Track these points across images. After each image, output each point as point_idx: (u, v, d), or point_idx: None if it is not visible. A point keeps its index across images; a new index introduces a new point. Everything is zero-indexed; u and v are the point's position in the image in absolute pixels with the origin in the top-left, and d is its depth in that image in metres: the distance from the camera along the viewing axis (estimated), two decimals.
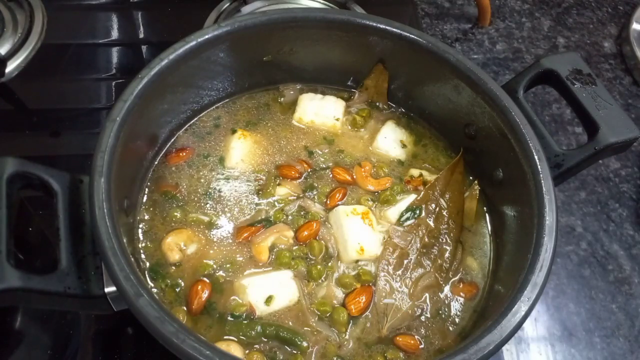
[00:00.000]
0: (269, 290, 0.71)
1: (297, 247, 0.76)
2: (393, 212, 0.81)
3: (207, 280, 0.72)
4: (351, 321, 0.72)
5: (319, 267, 0.75)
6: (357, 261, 0.76)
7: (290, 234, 0.77)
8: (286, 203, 0.80)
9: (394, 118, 0.92)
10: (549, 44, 1.29)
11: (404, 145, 0.89)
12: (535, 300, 0.63)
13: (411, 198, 0.82)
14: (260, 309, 0.71)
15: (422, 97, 0.89)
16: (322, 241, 0.77)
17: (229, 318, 0.70)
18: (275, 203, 0.80)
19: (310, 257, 0.76)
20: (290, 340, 0.69)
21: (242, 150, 0.84)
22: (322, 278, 0.75)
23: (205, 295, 0.70)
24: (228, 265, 0.74)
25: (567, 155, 0.75)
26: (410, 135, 0.91)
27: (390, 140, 0.88)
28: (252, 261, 0.75)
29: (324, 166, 0.85)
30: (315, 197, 0.81)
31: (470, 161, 0.87)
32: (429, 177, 0.85)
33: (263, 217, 0.78)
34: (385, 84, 0.90)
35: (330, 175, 0.84)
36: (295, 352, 0.69)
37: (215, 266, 0.73)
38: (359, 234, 0.76)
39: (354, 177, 0.84)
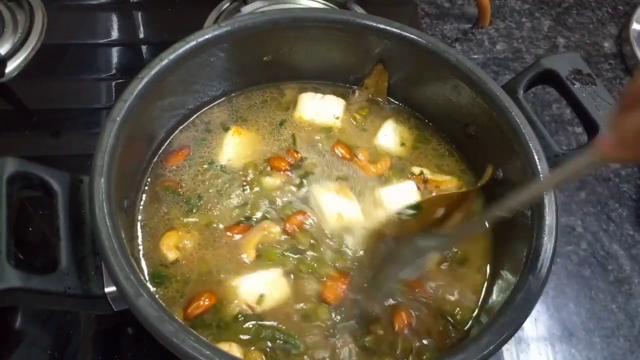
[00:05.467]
0: (259, 289, 0.71)
1: (284, 240, 0.76)
2: (387, 194, 0.82)
3: (213, 292, 0.71)
4: (335, 312, 0.72)
5: (307, 260, 0.75)
6: (342, 229, 0.77)
7: (277, 229, 0.77)
8: (270, 196, 0.80)
9: (394, 116, 0.92)
10: (549, 44, 1.29)
11: (403, 144, 0.89)
12: (535, 300, 0.63)
13: (408, 183, 0.83)
14: (253, 309, 0.71)
15: (422, 96, 0.89)
16: (308, 230, 0.77)
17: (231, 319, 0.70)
18: (261, 198, 0.80)
19: (298, 248, 0.76)
20: (284, 339, 0.69)
21: (239, 148, 0.84)
22: (311, 270, 0.74)
23: (203, 308, 0.70)
24: (225, 265, 0.74)
25: (567, 155, 0.75)
26: (410, 134, 0.91)
27: (391, 138, 0.89)
28: (244, 260, 0.74)
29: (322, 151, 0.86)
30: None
31: (470, 161, 0.87)
32: (430, 175, 0.85)
33: (249, 214, 0.78)
34: (385, 84, 0.91)
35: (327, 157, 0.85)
36: (297, 346, 0.69)
37: (213, 265, 0.73)
38: (334, 205, 0.79)
39: (358, 159, 0.85)
